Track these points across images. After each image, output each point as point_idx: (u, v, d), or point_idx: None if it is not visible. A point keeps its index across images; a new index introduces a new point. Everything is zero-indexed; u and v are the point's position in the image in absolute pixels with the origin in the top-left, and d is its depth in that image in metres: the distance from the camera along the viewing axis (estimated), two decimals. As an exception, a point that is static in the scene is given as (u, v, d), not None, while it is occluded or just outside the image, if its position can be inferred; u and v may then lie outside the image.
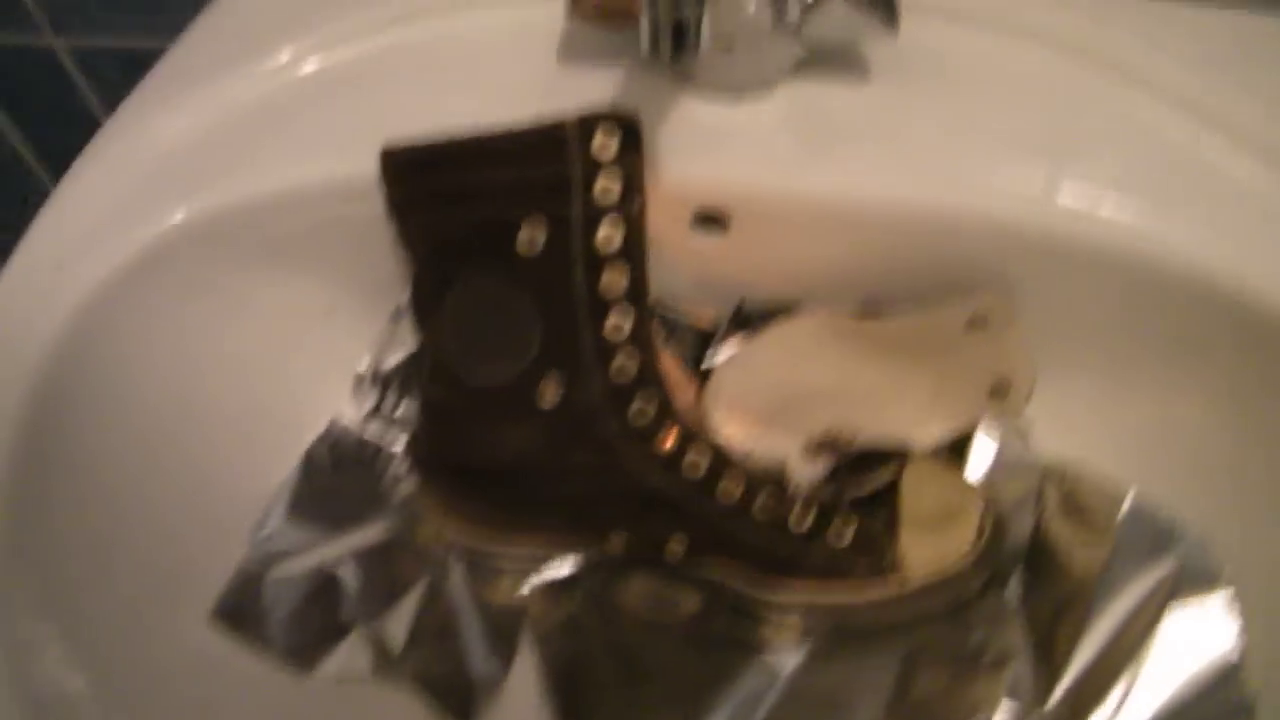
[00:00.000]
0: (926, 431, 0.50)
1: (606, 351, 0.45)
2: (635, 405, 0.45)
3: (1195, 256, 0.45)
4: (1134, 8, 0.53)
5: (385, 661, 0.50)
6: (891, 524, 0.49)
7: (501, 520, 0.51)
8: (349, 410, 0.58)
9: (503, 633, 0.51)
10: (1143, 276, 0.46)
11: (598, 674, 0.50)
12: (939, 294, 0.50)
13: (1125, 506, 0.47)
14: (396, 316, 0.56)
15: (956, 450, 0.52)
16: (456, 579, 0.53)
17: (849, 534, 0.48)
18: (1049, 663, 0.47)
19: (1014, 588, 0.50)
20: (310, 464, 0.56)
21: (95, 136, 0.55)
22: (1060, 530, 0.49)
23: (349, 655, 0.50)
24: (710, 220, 0.50)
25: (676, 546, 0.49)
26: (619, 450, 0.46)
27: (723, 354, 0.52)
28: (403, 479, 0.56)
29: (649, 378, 0.45)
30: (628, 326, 0.44)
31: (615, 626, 0.52)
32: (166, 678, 0.49)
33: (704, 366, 0.53)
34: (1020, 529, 0.50)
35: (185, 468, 0.53)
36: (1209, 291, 0.45)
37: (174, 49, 0.58)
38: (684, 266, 0.52)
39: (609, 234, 0.43)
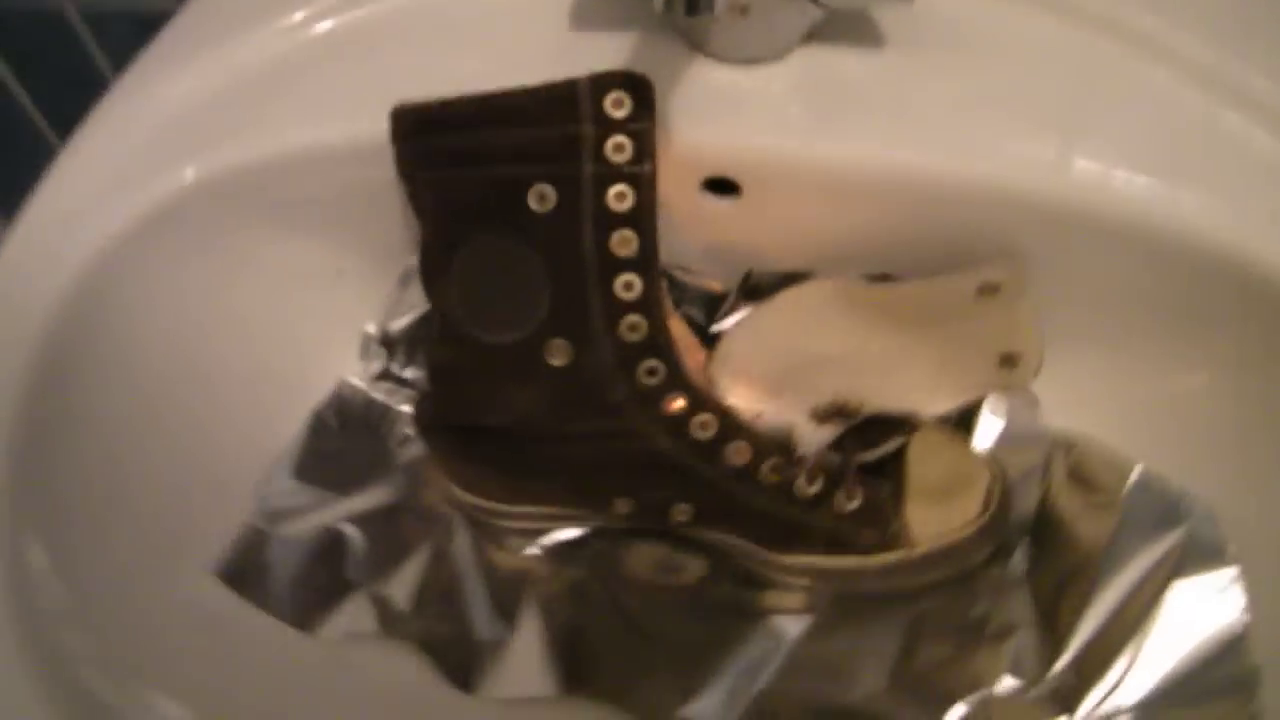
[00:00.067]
0: (934, 401, 0.50)
1: (615, 312, 0.44)
2: (643, 367, 0.45)
3: (1209, 228, 0.45)
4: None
5: (389, 623, 0.50)
6: (898, 493, 0.49)
7: (507, 484, 0.51)
8: (356, 372, 0.58)
9: (506, 596, 0.51)
10: (1156, 248, 0.46)
11: (601, 639, 0.50)
12: (950, 264, 0.49)
13: (1132, 479, 0.47)
14: (404, 279, 0.56)
15: (964, 421, 0.52)
16: (461, 542, 0.53)
17: (855, 502, 0.48)
18: (1053, 634, 0.47)
19: (1019, 559, 0.50)
20: (317, 425, 0.56)
21: (105, 96, 0.55)
22: (1067, 502, 0.49)
23: (352, 615, 0.50)
24: (721, 186, 0.50)
25: (681, 514, 0.49)
26: (626, 413, 0.46)
27: (731, 320, 0.52)
28: (409, 441, 0.56)
29: (658, 340, 0.45)
30: (637, 288, 0.44)
31: (619, 592, 0.52)
32: (169, 635, 0.49)
33: (712, 332, 0.53)
34: (1026, 501, 0.50)
35: (190, 427, 0.53)
36: (1222, 263, 0.45)
37: (184, 9, 0.58)
38: (693, 233, 0.52)
39: (620, 195, 0.43)
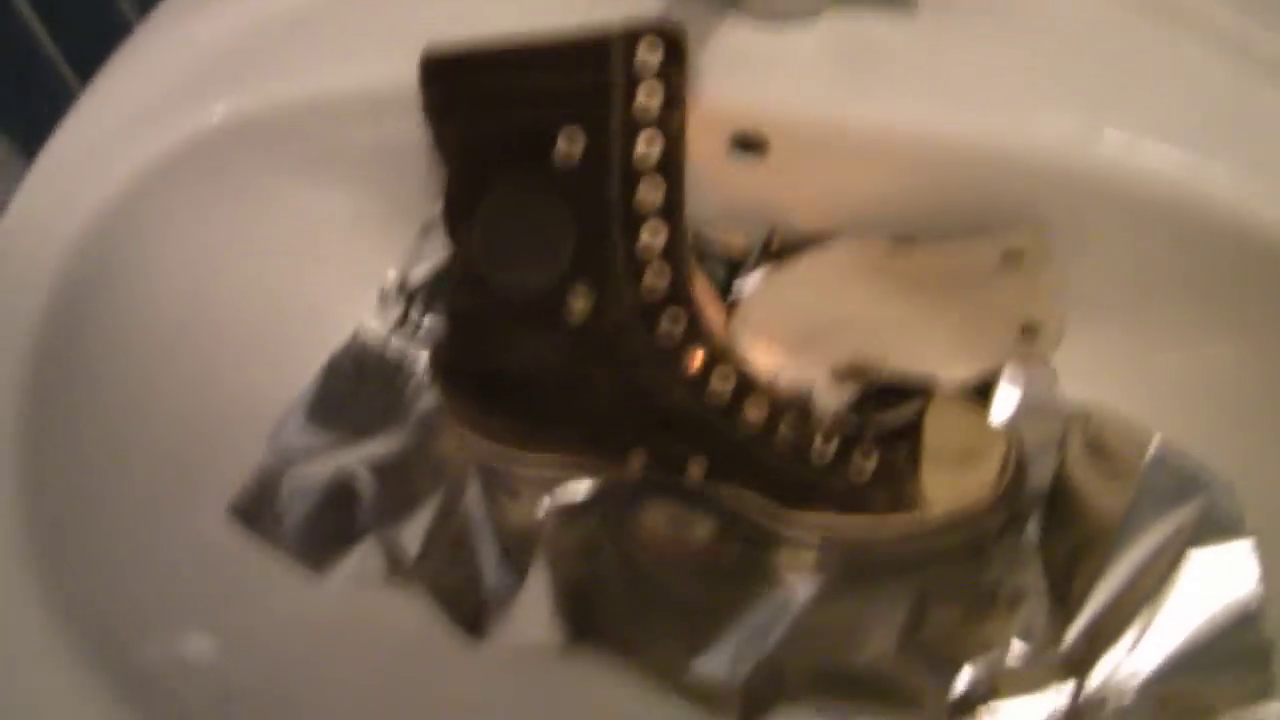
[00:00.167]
0: (953, 367, 0.50)
1: (638, 265, 0.44)
2: (664, 322, 0.45)
3: (1237, 201, 0.45)
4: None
5: (398, 569, 0.50)
6: (914, 457, 0.48)
7: (521, 434, 0.51)
8: (374, 322, 0.58)
9: (516, 550, 0.51)
10: (1183, 220, 0.45)
11: (609, 596, 0.50)
12: (974, 231, 0.49)
13: (1151, 451, 0.47)
14: (424, 231, 0.56)
15: (982, 391, 0.52)
16: (473, 495, 0.53)
17: (870, 466, 0.47)
18: (1064, 604, 0.47)
19: (1032, 530, 0.50)
20: (332, 372, 0.56)
21: (131, 35, 0.55)
22: (1083, 473, 0.49)
23: (362, 560, 0.51)
24: (748, 145, 0.50)
25: (696, 469, 0.48)
26: (645, 367, 0.46)
27: (753, 280, 0.52)
28: (424, 392, 0.56)
29: (680, 295, 0.45)
30: (661, 241, 0.44)
31: (629, 548, 0.52)
32: (180, 573, 0.49)
33: (733, 293, 0.52)
34: (1042, 471, 0.50)
35: (206, 368, 0.53)
36: (1251, 236, 0.44)
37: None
38: (718, 190, 0.52)
39: (648, 146, 0.43)
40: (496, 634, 0.48)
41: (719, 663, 0.47)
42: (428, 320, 0.58)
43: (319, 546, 0.51)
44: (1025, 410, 0.51)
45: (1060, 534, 0.49)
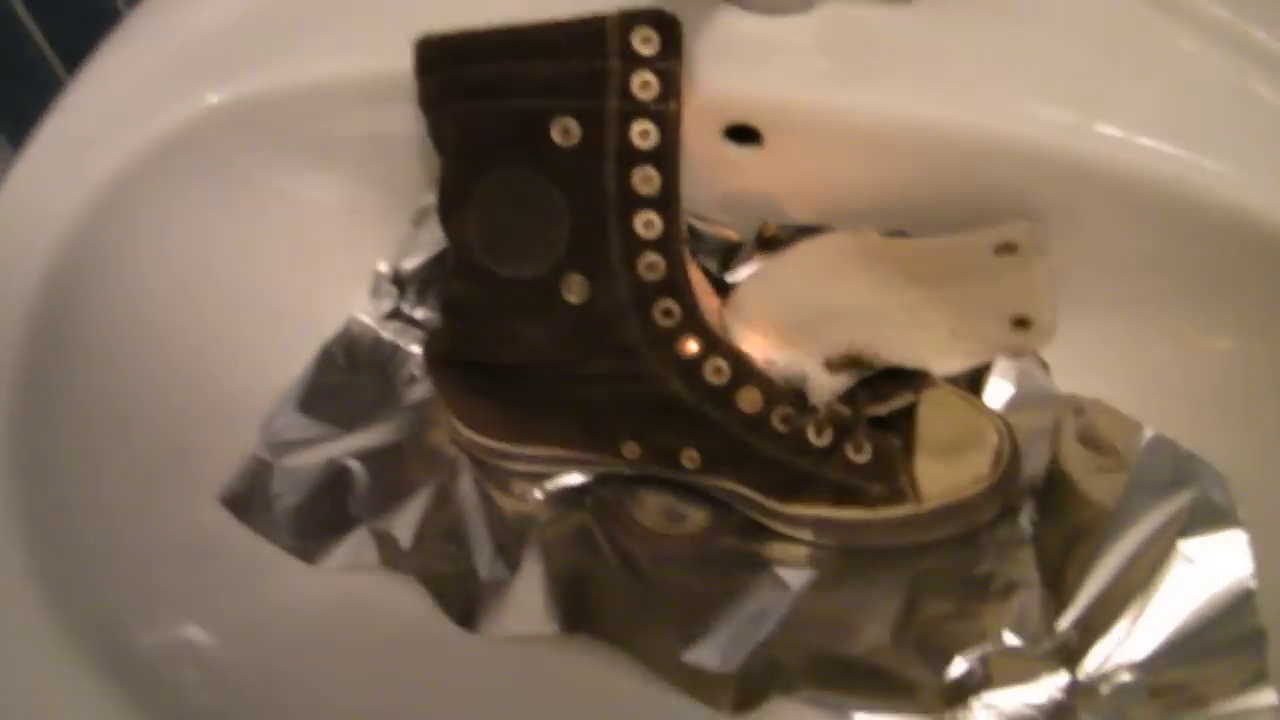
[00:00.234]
0: (946, 359, 0.50)
1: (634, 250, 0.44)
2: (659, 308, 0.45)
3: (1232, 193, 0.45)
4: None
5: (390, 559, 0.50)
6: (907, 448, 0.48)
7: (516, 423, 0.50)
8: (366, 310, 0.57)
9: (509, 539, 0.51)
10: (1177, 211, 0.45)
11: (603, 583, 0.50)
12: (968, 224, 0.49)
13: (1143, 442, 0.47)
14: (418, 219, 0.56)
15: (975, 382, 0.52)
16: (466, 484, 0.53)
17: (864, 454, 0.48)
18: (1057, 593, 0.47)
19: (1025, 520, 0.50)
20: (325, 360, 0.56)
21: (121, 22, 0.55)
22: (1076, 465, 0.49)
23: (354, 550, 0.50)
24: (742, 135, 0.50)
25: (689, 460, 0.48)
26: (640, 353, 0.46)
27: (746, 270, 0.52)
28: (416, 381, 0.56)
29: (675, 281, 0.45)
30: (657, 227, 0.44)
31: (622, 539, 0.52)
32: (173, 561, 0.48)
33: (727, 281, 0.52)
34: (1035, 462, 0.50)
35: (197, 357, 0.53)
36: (1245, 226, 0.44)
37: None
38: (712, 181, 0.52)
39: (644, 132, 0.43)
40: (490, 625, 0.48)
41: (713, 652, 0.47)
42: (420, 311, 0.57)
43: (311, 537, 0.50)
44: (1018, 402, 0.51)
45: (1053, 524, 0.49)
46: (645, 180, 0.43)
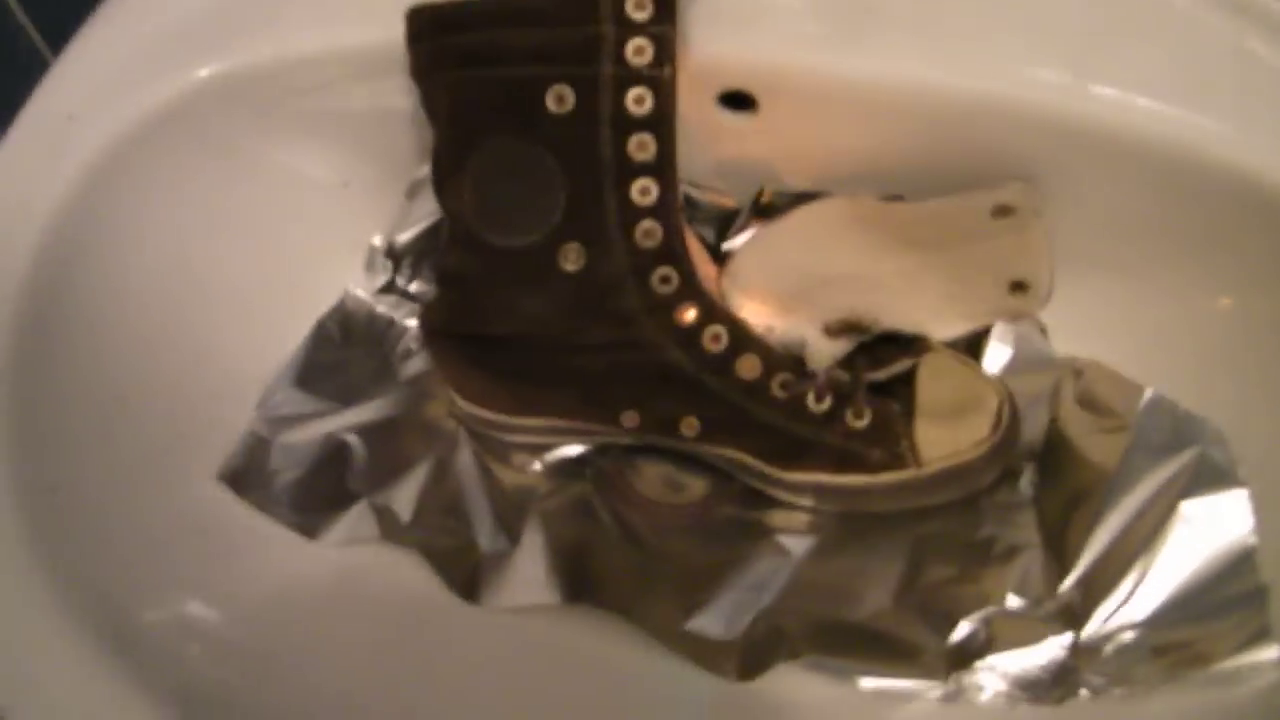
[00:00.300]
0: (944, 323, 0.50)
1: (631, 218, 0.44)
2: (657, 275, 0.45)
3: (1229, 152, 0.44)
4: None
5: (390, 533, 0.50)
6: (907, 413, 0.48)
7: (513, 395, 0.50)
8: (362, 284, 0.57)
9: (509, 511, 0.51)
10: (1176, 168, 0.45)
11: (605, 554, 0.50)
12: (965, 187, 0.49)
13: (1143, 403, 0.47)
14: (412, 192, 0.56)
15: (973, 346, 0.52)
16: (465, 457, 0.53)
17: (864, 420, 0.48)
18: (1060, 555, 0.47)
19: (1026, 483, 0.50)
20: (320, 335, 0.56)
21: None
22: (1076, 427, 0.49)
23: (354, 524, 0.50)
24: (736, 101, 0.49)
25: (688, 429, 0.48)
26: (638, 321, 0.45)
27: (742, 237, 0.52)
28: (412, 355, 0.56)
29: (672, 248, 0.45)
30: (654, 194, 0.44)
31: (623, 508, 0.52)
32: (174, 538, 0.48)
33: (724, 249, 0.52)
34: (1035, 425, 0.50)
35: (193, 331, 0.53)
36: (1244, 185, 0.44)
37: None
38: (707, 148, 0.51)
39: (639, 98, 0.42)
40: (491, 596, 0.48)
41: (715, 620, 0.47)
42: (415, 284, 0.57)
43: (311, 512, 0.50)
44: (1016, 365, 0.51)
45: (1054, 487, 0.49)
46: (641, 147, 0.43)
